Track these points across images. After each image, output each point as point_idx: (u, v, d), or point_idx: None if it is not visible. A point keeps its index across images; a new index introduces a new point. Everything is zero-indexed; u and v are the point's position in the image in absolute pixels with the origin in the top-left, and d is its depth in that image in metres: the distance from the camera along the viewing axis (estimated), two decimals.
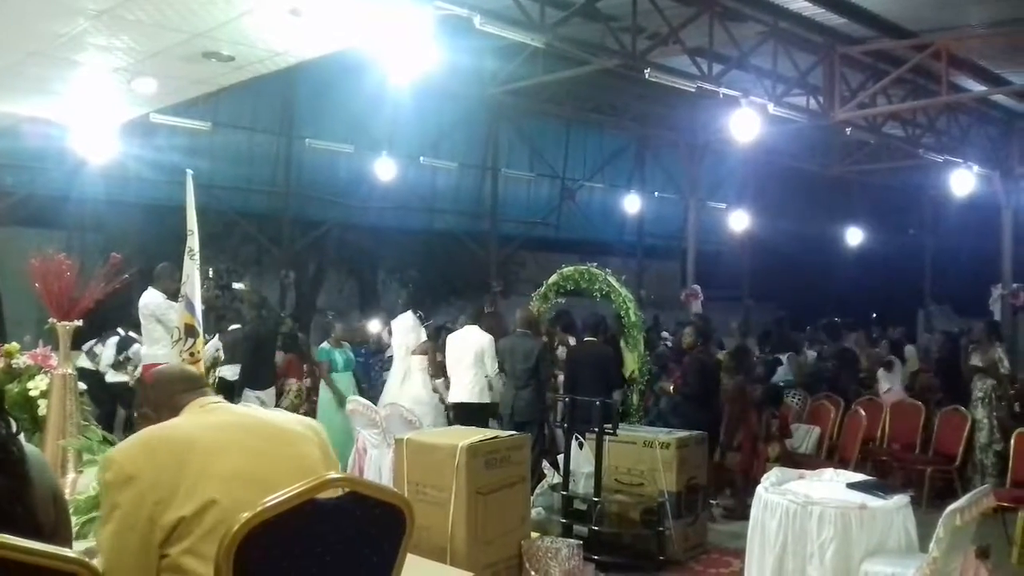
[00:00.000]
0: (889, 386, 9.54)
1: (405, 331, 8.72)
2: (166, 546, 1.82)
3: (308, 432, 2.12)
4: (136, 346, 8.70)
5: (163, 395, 2.20)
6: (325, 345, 8.71)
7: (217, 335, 8.82)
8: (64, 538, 1.89)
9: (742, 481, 7.43)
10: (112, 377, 8.73)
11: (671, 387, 8.09)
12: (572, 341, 9.20)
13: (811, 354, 11.53)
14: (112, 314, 8.63)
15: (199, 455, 1.86)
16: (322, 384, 8.51)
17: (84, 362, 8.89)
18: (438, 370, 8.49)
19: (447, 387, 8.34)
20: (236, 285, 13.22)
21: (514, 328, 8.34)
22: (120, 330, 9.03)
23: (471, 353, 7.97)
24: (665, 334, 12.05)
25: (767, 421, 7.45)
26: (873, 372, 10.19)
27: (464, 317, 8.66)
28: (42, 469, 1.89)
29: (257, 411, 2.22)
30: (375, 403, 7.95)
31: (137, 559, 1.83)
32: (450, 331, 8.64)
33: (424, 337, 8.76)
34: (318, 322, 13.57)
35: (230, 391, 8.40)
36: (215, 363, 8.46)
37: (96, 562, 1.88)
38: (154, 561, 1.83)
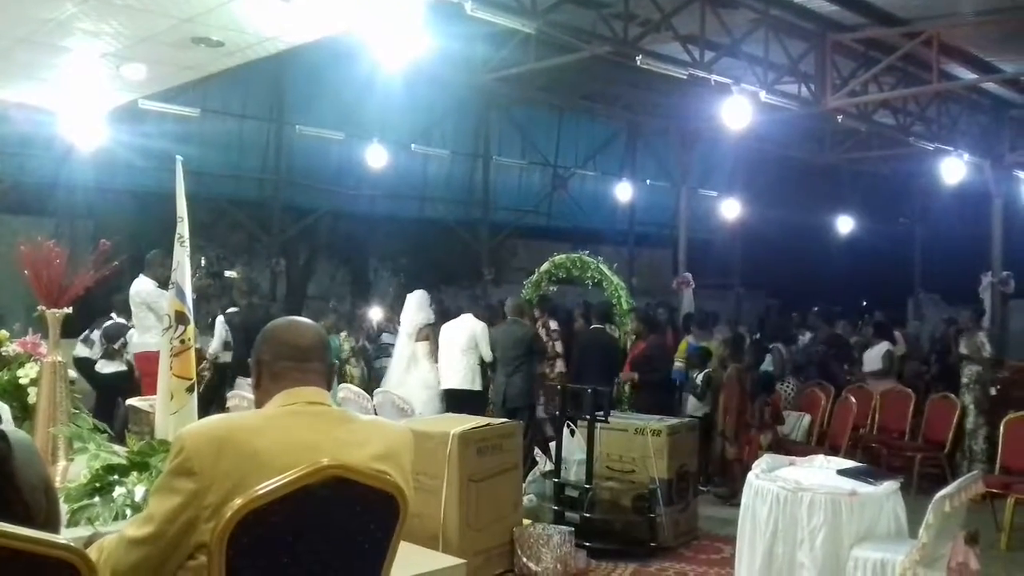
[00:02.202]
0: (871, 367, 9.52)
1: (416, 309, 8.60)
2: (198, 553, 1.79)
3: (388, 463, 1.96)
4: (132, 331, 8.64)
5: (269, 354, 2.06)
6: None
7: (221, 316, 8.76)
8: (54, 528, 1.87)
9: (741, 471, 7.44)
10: (104, 368, 8.63)
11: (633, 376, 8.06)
12: (554, 325, 9.21)
13: (804, 340, 11.54)
14: (105, 300, 8.59)
15: (259, 480, 1.75)
16: None
17: (82, 351, 8.82)
18: (436, 355, 8.49)
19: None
20: (228, 273, 13.20)
21: (505, 315, 8.38)
22: (113, 315, 8.94)
23: (464, 339, 8.00)
24: None
25: (760, 409, 7.46)
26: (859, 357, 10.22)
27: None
28: (31, 457, 1.87)
29: (346, 430, 1.98)
30: (372, 390, 7.96)
31: (170, 542, 1.81)
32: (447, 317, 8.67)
33: (432, 318, 8.68)
34: (310, 309, 13.53)
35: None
36: (226, 346, 8.47)
37: (131, 528, 1.87)
38: (182, 555, 1.81)
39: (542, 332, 9.00)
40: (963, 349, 8.62)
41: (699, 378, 8.29)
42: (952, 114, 13.51)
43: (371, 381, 9.17)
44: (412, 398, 7.59)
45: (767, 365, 9.20)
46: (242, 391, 6.71)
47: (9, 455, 1.74)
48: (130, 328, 8.60)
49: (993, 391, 8.37)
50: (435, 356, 8.36)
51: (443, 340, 8.18)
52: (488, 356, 8.02)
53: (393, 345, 9.64)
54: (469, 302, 8.65)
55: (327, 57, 11.35)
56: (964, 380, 8.34)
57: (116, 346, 8.63)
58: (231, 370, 8.31)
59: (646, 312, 8.69)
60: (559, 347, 9.02)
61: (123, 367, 8.57)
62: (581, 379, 7.34)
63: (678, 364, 8.92)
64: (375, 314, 11.77)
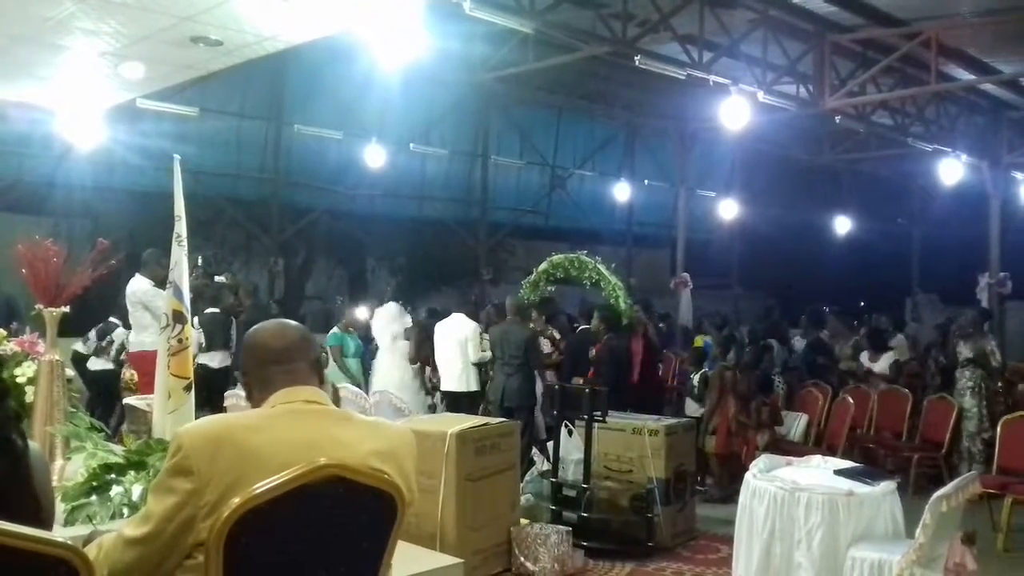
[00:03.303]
0: (870, 367, 9.52)
1: (389, 320, 8.72)
2: (196, 552, 1.79)
3: (387, 462, 1.95)
4: (118, 330, 8.65)
5: (252, 362, 2.07)
6: (336, 330, 8.60)
7: (195, 318, 8.66)
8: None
9: (721, 465, 7.45)
10: (94, 364, 8.65)
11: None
12: (557, 335, 9.18)
13: (799, 343, 11.54)
14: (108, 301, 8.58)
15: (257, 478, 1.75)
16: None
17: (78, 347, 8.84)
18: (417, 356, 8.50)
19: (433, 373, 8.40)
20: (218, 278, 13.13)
21: (497, 315, 8.39)
22: (113, 319, 8.95)
23: (455, 341, 8.02)
24: None
25: (758, 409, 7.46)
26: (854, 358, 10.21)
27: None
28: (42, 464, 1.89)
29: (344, 429, 1.98)
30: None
31: (167, 541, 1.81)
32: (440, 317, 8.67)
33: (408, 322, 8.75)
34: (309, 309, 13.53)
35: (215, 381, 8.26)
36: (199, 349, 8.38)
37: (129, 527, 1.88)
38: (180, 554, 1.82)
39: (545, 343, 8.94)
40: (967, 353, 8.50)
41: (696, 378, 8.30)
42: (950, 115, 13.53)
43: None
44: None
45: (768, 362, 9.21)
46: (239, 391, 6.71)
47: (25, 451, 1.75)
48: (117, 327, 8.61)
49: (1010, 401, 8.33)
50: (415, 357, 8.41)
51: (437, 341, 8.21)
52: (475, 357, 8.02)
53: None
54: (459, 302, 8.65)
55: (326, 56, 11.35)
56: (968, 383, 8.24)
57: (103, 344, 8.64)
58: (228, 372, 8.26)
59: (609, 310, 8.55)
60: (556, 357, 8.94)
61: (110, 365, 8.57)
62: (572, 379, 7.32)
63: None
64: (362, 313, 11.72)
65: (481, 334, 8.22)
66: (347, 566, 1.90)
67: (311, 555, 1.82)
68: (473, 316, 8.47)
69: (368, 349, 10.85)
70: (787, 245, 19.42)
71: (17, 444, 1.74)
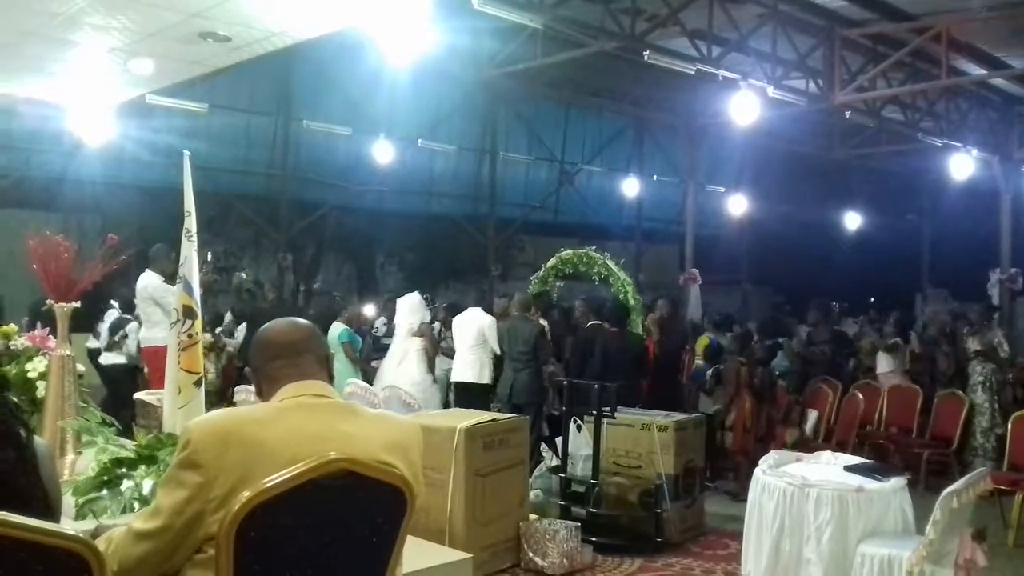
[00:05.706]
0: (890, 368, 9.50)
1: (410, 311, 8.65)
2: (206, 546, 1.80)
3: (395, 456, 1.95)
4: (132, 324, 8.69)
5: (261, 357, 2.08)
6: (344, 326, 8.55)
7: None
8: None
9: (744, 463, 7.43)
10: (107, 359, 8.69)
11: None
12: (545, 323, 9.14)
13: (802, 334, 11.47)
14: (105, 291, 8.63)
15: (266, 471, 1.76)
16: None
17: (91, 343, 8.88)
18: (436, 351, 8.49)
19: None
20: (237, 275, 13.18)
21: (509, 310, 8.38)
22: (114, 303, 8.99)
23: (473, 333, 8.06)
24: None
25: (789, 405, 7.45)
26: (872, 355, 10.17)
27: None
28: (47, 460, 1.89)
29: (353, 423, 1.97)
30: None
31: (177, 535, 1.81)
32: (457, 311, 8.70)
33: (428, 318, 8.72)
34: (318, 304, 13.54)
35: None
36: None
37: (138, 519, 1.89)
38: (190, 547, 1.82)
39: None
40: (976, 346, 8.50)
41: (709, 372, 8.28)
42: (961, 110, 13.47)
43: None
44: None
45: (780, 360, 9.17)
46: (249, 387, 6.72)
47: (29, 442, 1.76)
48: (130, 321, 8.65)
49: (1019, 393, 8.28)
50: (429, 352, 8.40)
51: (454, 335, 8.26)
52: (497, 349, 8.06)
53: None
54: (475, 299, 8.64)
55: (334, 52, 11.36)
56: (979, 378, 8.24)
57: (116, 338, 8.68)
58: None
59: (620, 309, 8.51)
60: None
61: (122, 359, 8.61)
62: (583, 377, 7.31)
63: (698, 362, 8.92)
64: (369, 310, 11.71)
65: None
66: (357, 560, 1.90)
67: (320, 549, 1.82)
68: (488, 312, 8.50)
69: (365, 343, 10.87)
70: (796, 241, 19.37)
71: (20, 434, 1.74)
